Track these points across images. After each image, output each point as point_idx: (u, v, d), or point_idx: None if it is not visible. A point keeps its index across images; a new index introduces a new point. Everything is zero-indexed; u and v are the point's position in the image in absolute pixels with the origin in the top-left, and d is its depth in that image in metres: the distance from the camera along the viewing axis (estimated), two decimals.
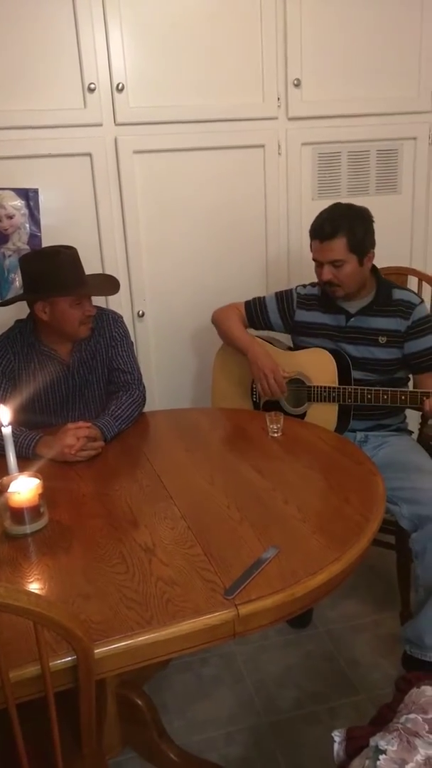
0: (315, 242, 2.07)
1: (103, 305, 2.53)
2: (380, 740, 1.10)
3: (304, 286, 2.29)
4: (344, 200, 2.69)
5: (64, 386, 2.09)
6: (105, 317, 2.15)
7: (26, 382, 2.05)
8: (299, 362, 2.20)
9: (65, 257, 1.96)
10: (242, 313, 2.33)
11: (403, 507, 1.91)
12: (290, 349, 2.30)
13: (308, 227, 2.09)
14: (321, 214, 2.09)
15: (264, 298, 2.32)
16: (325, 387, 2.13)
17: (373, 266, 2.14)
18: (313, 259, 2.11)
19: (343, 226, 2.01)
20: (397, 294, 2.12)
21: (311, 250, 2.10)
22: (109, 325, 2.15)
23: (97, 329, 2.12)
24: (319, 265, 2.09)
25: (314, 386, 2.16)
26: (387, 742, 1.09)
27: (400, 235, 2.86)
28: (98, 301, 2.43)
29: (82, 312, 1.99)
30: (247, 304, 2.34)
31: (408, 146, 2.76)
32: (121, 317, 2.21)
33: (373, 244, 2.07)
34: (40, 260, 1.98)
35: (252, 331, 2.33)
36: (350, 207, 2.07)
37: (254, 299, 2.34)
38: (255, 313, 2.32)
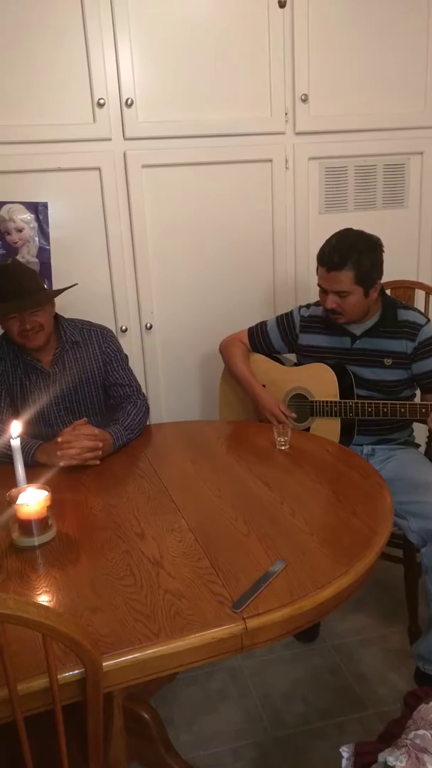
0: (321, 269, 2.05)
1: (111, 317, 2.56)
2: (389, 756, 1.09)
3: (308, 306, 2.28)
4: (351, 214, 2.74)
5: (46, 395, 2.09)
6: (93, 334, 2.16)
7: (15, 390, 2.08)
8: (301, 377, 2.21)
9: (8, 271, 2.00)
10: (246, 344, 2.34)
11: (412, 521, 1.90)
12: (295, 365, 2.30)
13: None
14: (330, 240, 2.05)
15: (266, 323, 2.32)
16: (327, 401, 2.13)
17: None
18: (318, 285, 2.10)
19: (352, 258, 1.98)
20: (403, 314, 2.11)
21: (317, 275, 2.08)
22: (99, 341, 2.16)
23: (83, 346, 2.13)
24: (324, 291, 2.08)
25: (316, 401, 2.16)
26: (396, 758, 1.08)
27: (407, 249, 2.87)
28: (103, 314, 2.46)
29: (19, 325, 1.97)
30: (250, 332, 2.34)
31: (415, 161, 2.78)
32: (110, 331, 2.22)
33: (380, 275, 2.05)
34: None
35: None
36: (361, 236, 2.04)
37: (257, 326, 2.34)
38: (257, 340, 2.32)
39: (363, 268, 1.99)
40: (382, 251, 2.05)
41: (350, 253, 1.98)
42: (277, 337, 2.29)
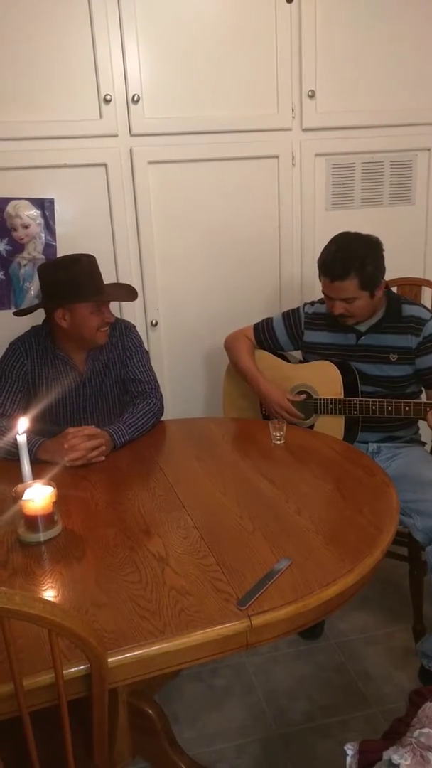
0: (325, 280, 2.03)
1: (116, 314, 2.55)
2: (393, 754, 1.09)
3: (312, 303, 2.27)
4: (358, 211, 2.73)
5: (75, 394, 2.10)
6: (117, 327, 2.16)
7: (41, 388, 2.06)
8: (306, 375, 2.20)
9: (85, 265, 1.99)
10: (251, 339, 2.33)
11: (417, 519, 1.89)
12: (300, 362, 2.30)
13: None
14: (329, 247, 2.03)
15: (272, 319, 2.31)
16: (331, 399, 2.13)
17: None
18: (323, 293, 2.09)
19: (354, 266, 1.95)
20: (407, 310, 2.11)
21: (320, 282, 2.07)
22: (122, 335, 2.16)
23: (110, 339, 2.12)
24: (330, 298, 2.07)
25: (320, 398, 2.15)
26: (400, 756, 1.08)
27: (414, 246, 2.86)
28: (112, 310, 2.45)
29: (101, 319, 2.01)
30: (256, 327, 2.33)
31: (422, 157, 2.76)
32: (134, 326, 2.23)
33: (383, 274, 2.03)
34: (60, 268, 2.00)
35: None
36: (360, 239, 2.01)
37: (262, 322, 2.33)
38: (263, 336, 2.31)
39: (367, 274, 1.97)
40: (383, 250, 2.03)
41: (352, 262, 1.96)
42: (282, 333, 2.28)
